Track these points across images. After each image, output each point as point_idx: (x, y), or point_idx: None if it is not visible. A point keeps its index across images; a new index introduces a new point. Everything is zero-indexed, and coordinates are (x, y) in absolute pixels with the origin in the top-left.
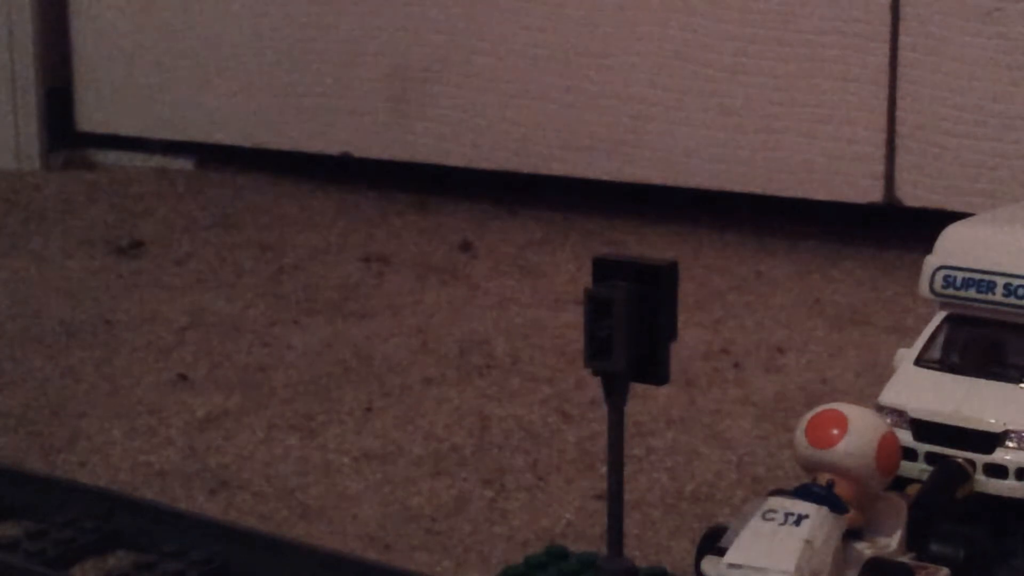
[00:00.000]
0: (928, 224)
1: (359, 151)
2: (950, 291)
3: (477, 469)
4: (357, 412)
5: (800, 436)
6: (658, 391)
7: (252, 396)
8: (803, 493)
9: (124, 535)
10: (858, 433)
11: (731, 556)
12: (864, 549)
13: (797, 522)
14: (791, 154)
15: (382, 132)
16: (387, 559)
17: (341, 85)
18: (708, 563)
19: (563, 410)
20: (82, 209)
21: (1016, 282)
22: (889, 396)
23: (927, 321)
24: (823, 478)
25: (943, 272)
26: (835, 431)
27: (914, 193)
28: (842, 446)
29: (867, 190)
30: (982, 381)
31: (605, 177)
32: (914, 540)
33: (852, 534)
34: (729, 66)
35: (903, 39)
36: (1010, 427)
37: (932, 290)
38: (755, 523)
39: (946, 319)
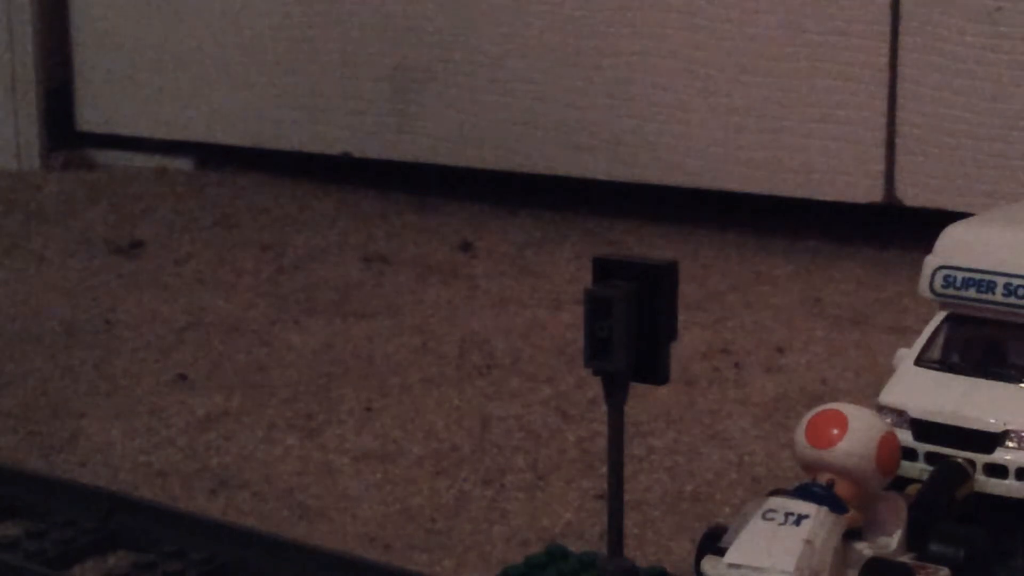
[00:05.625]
0: (928, 224)
1: (359, 151)
2: (950, 291)
3: (477, 469)
4: (357, 412)
5: (800, 436)
6: (658, 391)
7: (252, 396)
8: (803, 493)
9: (124, 535)
10: (858, 433)
11: (731, 556)
12: (864, 549)
13: (797, 522)
14: (791, 154)
15: (382, 132)
16: (387, 559)
17: (341, 85)
18: (708, 563)
19: (563, 410)
20: (82, 209)
21: (1016, 282)
22: (889, 396)
23: (927, 321)
24: (823, 478)
25: (943, 272)
26: (835, 431)
27: (914, 193)
28: (842, 446)
29: (867, 190)
30: (982, 381)
31: (605, 177)
32: (914, 540)
33: (852, 534)
34: (729, 66)
35: (903, 39)
36: (1010, 427)
37: (932, 290)
38: (755, 523)
39: (946, 319)
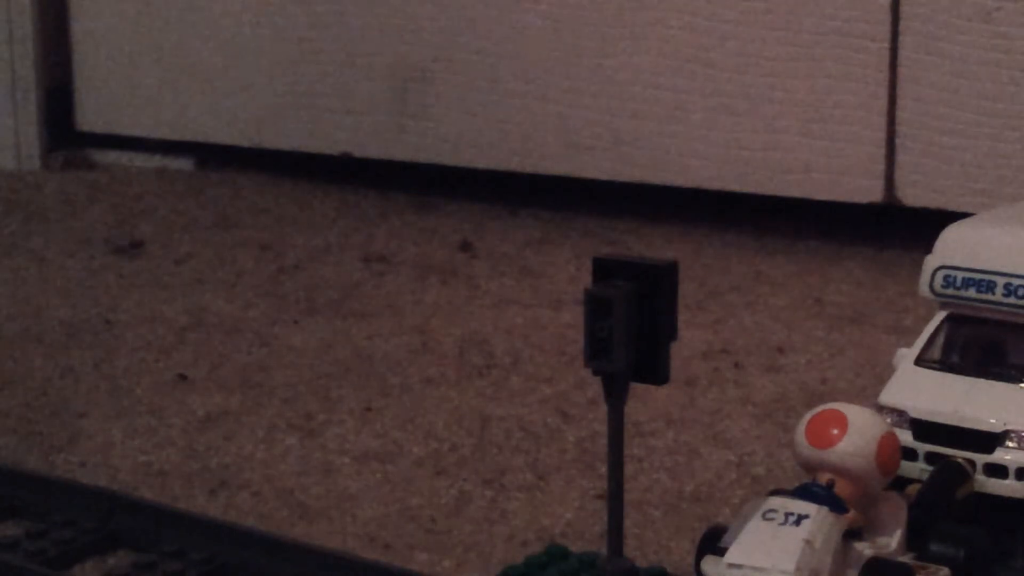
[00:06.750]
0: (928, 224)
1: (359, 151)
2: (950, 291)
3: (477, 469)
4: (357, 412)
5: (800, 436)
6: (658, 391)
7: (252, 396)
8: (803, 493)
9: (124, 535)
10: (858, 433)
11: (731, 556)
12: (864, 549)
13: (797, 522)
14: (791, 154)
15: (382, 132)
16: (387, 559)
17: (341, 85)
18: (708, 563)
19: (563, 410)
20: (82, 209)
21: (1016, 282)
22: (889, 396)
23: (927, 321)
24: (823, 478)
25: (943, 272)
26: (835, 431)
27: (914, 193)
28: (842, 446)
29: (867, 190)
30: (982, 381)
31: (605, 177)
32: (914, 540)
33: (852, 534)
34: (729, 66)
35: (903, 39)
36: (1010, 427)
37: (932, 290)
38: (755, 523)
39: (946, 319)
